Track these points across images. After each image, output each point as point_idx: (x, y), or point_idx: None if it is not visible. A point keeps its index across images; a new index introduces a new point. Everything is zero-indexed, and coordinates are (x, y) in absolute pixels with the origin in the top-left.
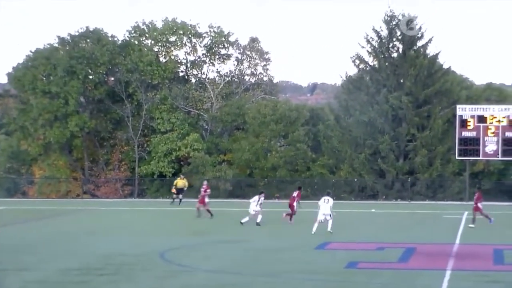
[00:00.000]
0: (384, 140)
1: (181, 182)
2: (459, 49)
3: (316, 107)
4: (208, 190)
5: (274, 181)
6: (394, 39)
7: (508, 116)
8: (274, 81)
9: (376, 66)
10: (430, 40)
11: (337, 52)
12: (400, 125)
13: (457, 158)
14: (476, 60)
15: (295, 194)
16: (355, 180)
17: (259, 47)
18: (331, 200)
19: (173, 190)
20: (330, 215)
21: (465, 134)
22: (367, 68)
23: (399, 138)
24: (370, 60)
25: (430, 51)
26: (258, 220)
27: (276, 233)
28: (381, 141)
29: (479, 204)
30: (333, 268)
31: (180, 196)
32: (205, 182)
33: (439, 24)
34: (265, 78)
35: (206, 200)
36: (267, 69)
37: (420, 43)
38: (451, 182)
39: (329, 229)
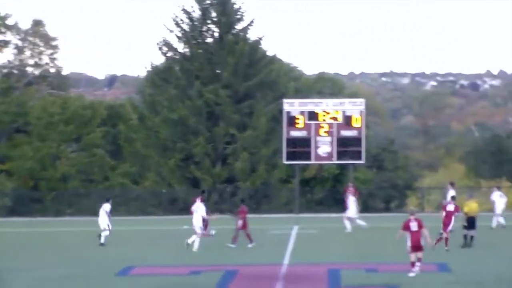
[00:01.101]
0: (198, 142)
1: None
2: (285, 35)
3: (116, 103)
4: None
5: (64, 194)
6: (209, 22)
7: (344, 112)
8: (64, 73)
9: (188, 53)
10: (251, 23)
11: (141, 39)
12: (217, 124)
13: (284, 162)
14: (305, 48)
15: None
16: (164, 191)
17: (44, 32)
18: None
19: None
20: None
21: (294, 133)
22: (177, 57)
23: (216, 139)
24: (180, 46)
25: (252, 36)
26: (103, 240)
27: (72, 257)
28: (195, 144)
29: (240, 221)
30: None
31: None
32: None
33: (260, 6)
34: (52, 70)
35: None
36: (55, 58)
37: (239, 26)
38: (278, 191)
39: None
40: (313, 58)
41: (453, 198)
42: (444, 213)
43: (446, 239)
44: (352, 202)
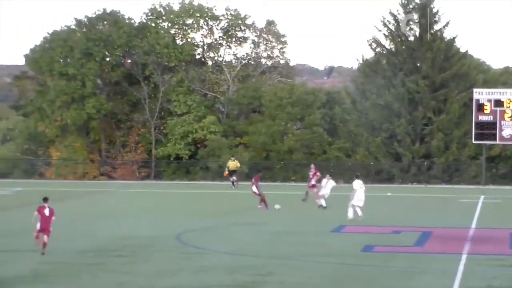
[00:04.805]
0: (400, 123)
1: (232, 164)
2: (476, 32)
3: (333, 90)
4: None
5: (290, 164)
6: (411, 23)
7: None
8: (291, 64)
9: (393, 49)
10: (447, 24)
11: (354, 36)
12: (416, 109)
13: (473, 142)
14: (494, 44)
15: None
16: (371, 163)
17: (276, 30)
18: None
19: (225, 173)
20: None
21: (482, 118)
22: (384, 52)
23: (415, 121)
24: (387, 43)
25: (447, 34)
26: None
27: (292, 216)
28: (397, 125)
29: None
30: (349, 251)
31: (234, 177)
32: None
33: (456, 7)
34: (281, 61)
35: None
36: (284, 52)
37: (437, 27)
38: (467, 166)
39: (360, 214)
40: (499, 53)
41: None
42: None
43: None
44: None
